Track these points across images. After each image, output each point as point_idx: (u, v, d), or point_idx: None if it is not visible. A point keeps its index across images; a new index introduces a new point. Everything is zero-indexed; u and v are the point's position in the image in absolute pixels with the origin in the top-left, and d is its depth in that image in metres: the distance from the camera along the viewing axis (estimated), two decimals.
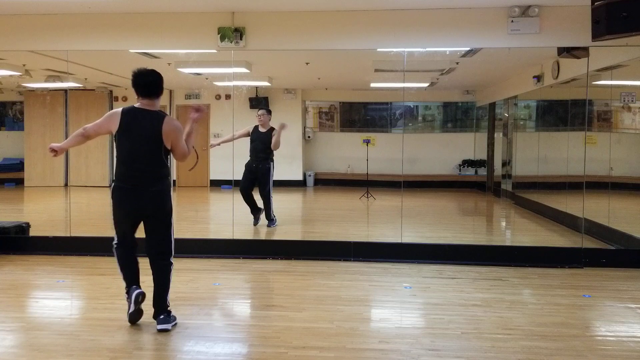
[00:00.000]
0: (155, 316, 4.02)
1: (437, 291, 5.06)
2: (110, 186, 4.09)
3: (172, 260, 4.15)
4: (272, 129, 7.98)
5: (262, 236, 7.69)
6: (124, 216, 4.05)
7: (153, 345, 3.72)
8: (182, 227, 8.46)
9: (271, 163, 8.01)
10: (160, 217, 4.06)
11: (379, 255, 6.21)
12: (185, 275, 5.55)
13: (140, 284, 4.12)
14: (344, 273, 5.71)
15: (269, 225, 7.96)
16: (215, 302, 4.85)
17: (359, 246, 6.33)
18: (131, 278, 4.10)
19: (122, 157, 3.98)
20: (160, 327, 3.95)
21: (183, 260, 6.08)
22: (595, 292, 5.09)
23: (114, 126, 3.94)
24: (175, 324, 4.06)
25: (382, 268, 5.88)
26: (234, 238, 6.80)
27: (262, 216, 8.07)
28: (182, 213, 10.08)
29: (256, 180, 8.00)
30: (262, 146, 7.95)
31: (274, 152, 8.04)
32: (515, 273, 5.71)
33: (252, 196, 8.02)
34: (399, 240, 6.56)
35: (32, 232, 6.82)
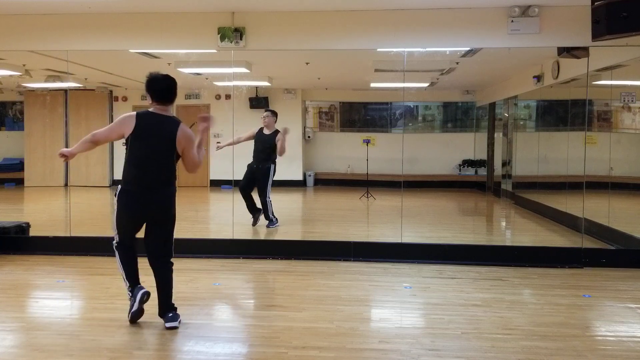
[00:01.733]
0: (163, 314, 4.05)
1: (437, 291, 5.06)
2: (110, 186, 4.10)
3: (172, 260, 4.20)
4: (276, 131, 7.98)
5: (262, 236, 7.69)
6: (129, 219, 4.05)
7: (153, 345, 3.72)
8: (182, 227, 8.44)
9: (272, 165, 8.00)
10: (165, 221, 4.10)
11: (379, 255, 6.21)
12: (185, 275, 5.54)
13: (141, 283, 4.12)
14: (344, 273, 5.71)
15: (268, 226, 7.96)
16: (215, 302, 4.84)
17: (359, 246, 6.33)
18: (134, 277, 4.13)
19: (135, 160, 3.97)
20: (168, 324, 3.98)
21: (183, 260, 6.08)
22: (595, 292, 5.09)
23: (128, 130, 3.95)
24: (180, 321, 4.08)
25: (382, 268, 5.88)
26: (234, 238, 6.80)
27: (262, 216, 8.08)
28: (182, 213, 10.06)
29: (255, 180, 8.00)
30: (262, 147, 7.95)
31: (278, 156, 8.02)
32: (515, 273, 5.71)
33: (251, 196, 8.02)
34: (399, 240, 6.56)
35: (32, 232, 6.82)
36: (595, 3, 5.09)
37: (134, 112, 4.03)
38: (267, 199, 7.96)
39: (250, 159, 8.13)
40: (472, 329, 4.05)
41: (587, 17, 5.31)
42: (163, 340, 3.80)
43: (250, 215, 8.07)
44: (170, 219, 4.13)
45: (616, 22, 4.88)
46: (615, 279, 5.59)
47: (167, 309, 4.06)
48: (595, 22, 5.12)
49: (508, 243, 7.99)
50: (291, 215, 9.85)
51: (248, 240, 7.36)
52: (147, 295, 4.06)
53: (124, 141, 4.02)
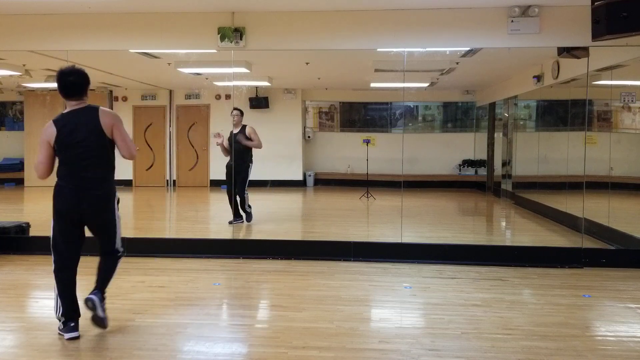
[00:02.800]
0: (92, 292, 3.86)
1: (437, 291, 5.06)
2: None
3: (122, 251, 4.06)
4: (243, 126, 8.12)
5: (262, 236, 7.69)
6: (64, 220, 3.91)
7: (153, 345, 3.71)
8: (182, 227, 8.48)
9: (250, 164, 8.15)
10: (100, 221, 3.91)
11: (379, 255, 6.21)
12: (185, 275, 5.55)
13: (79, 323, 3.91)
14: (344, 273, 5.71)
15: (239, 221, 8.05)
16: (215, 302, 4.85)
17: (359, 246, 6.33)
18: (70, 308, 3.89)
19: (68, 162, 3.79)
20: (89, 296, 3.81)
21: (183, 260, 6.09)
22: (595, 292, 5.09)
23: (52, 138, 3.72)
24: (104, 309, 3.85)
25: (382, 268, 5.88)
26: (234, 238, 6.80)
27: (254, 215, 8.18)
28: (182, 213, 10.08)
29: (233, 176, 8.12)
30: (236, 146, 8.04)
31: (252, 150, 8.19)
32: (515, 273, 5.71)
33: (236, 199, 8.13)
34: (399, 240, 6.56)
35: (32, 232, 6.82)
36: (595, 3, 5.09)
37: (51, 120, 3.79)
38: (244, 195, 8.10)
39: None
40: (472, 329, 4.05)
41: (587, 17, 5.31)
42: (163, 341, 3.80)
43: (242, 214, 8.18)
44: (106, 222, 3.91)
45: (616, 22, 4.88)
46: (615, 279, 5.59)
47: (96, 288, 3.89)
48: (595, 22, 5.12)
49: (508, 243, 7.99)
50: (291, 215, 9.85)
51: (248, 240, 7.37)
52: (75, 339, 3.82)
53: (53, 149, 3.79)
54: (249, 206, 8.20)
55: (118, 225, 4.00)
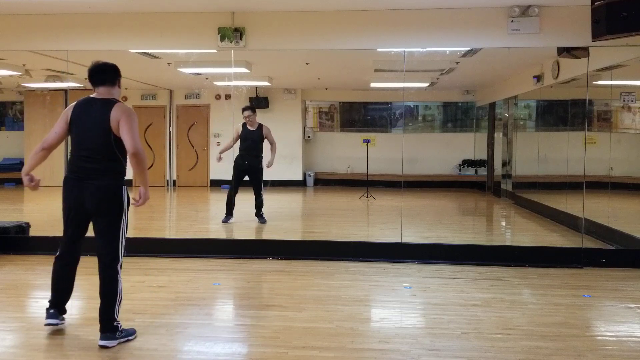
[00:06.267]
0: (100, 330, 3.68)
1: (437, 291, 5.06)
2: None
3: (120, 268, 3.77)
4: (260, 125, 8.17)
5: (262, 236, 7.69)
6: (68, 211, 3.83)
7: (153, 345, 3.71)
8: (182, 227, 8.48)
9: (262, 160, 8.20)
10: (102, 215, 3.73)
11: (379, 255, 6.21)
12: (185, 275, 5.55)
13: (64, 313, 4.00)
14: (344, 273, 5.71)
15: (262, 222, 8.10)
16: (215, 302, 4.85)
17: (359, 246, 6.33)
18: (55, 296, 3.93)
19: (73, 147, 3.79)
20: (100, 343, 3.64)
21: (183, 260, 6.09)
22: (595, 292, 5.09)
23: (68, 118, 3.78)
24: (130, 339, 3.75)
25: (382, 268, 5.88)
26: (234, 238, 6.80)
27: (252, 215, 8.19)
28: (182, 213, 10.08)
29: (244, 176, 8.12)
30: (253, 144, 8.08)
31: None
32: (515, 273, 5.71)
33: (234, 199, 8.15)
34: (399, 240, 6.56)
35: (32, 232, 6.81)
36: (595, 3, 5.09)
37: (75, 102, 3.84)
38: (262, 196, 8.13)
39: None
40: (472, 329, 4.05)
41: (587, 17, 5.30)
42: (163, 341, 3.80)
43: (252, 216, 8.14)
44: (109, 215, 3.71)
45: (616, 22, 4.87)
46: (615, 279, 5.59)
47: (103, 326, 3.67)
48: (595, 22, 5.11)
49: (508, 243, 7.99)
50: (291, 215, 9.85)
51: (248, 240, 7.37)
52: (52, 326, 3.89)
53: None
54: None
55: (123, 228, 3.77)
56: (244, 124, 8.15)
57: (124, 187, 3.79)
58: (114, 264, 3.74)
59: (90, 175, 3.71)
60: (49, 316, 3.92)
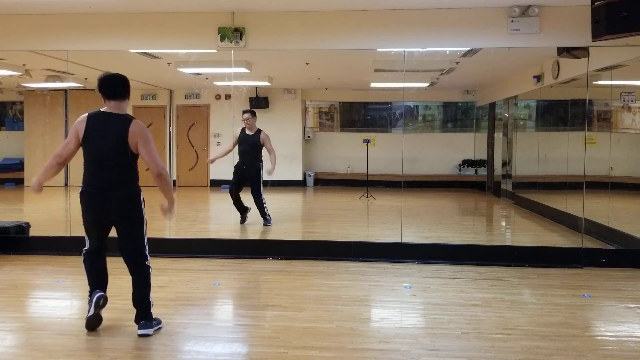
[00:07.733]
0: (136, 320, 3.93)
1: (437, 291, 5.06)
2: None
3: (148, 263, 4.02)
4: (258, 130, 8.08)
5: (262, 236, 7.69)
6: (91, 222, 3.98)
7: (153, 345, 3.71)
8: (182, 227, 8.47)
9: (260, 164, 8.12)
10: (126, 222, 3.94)
11: (379, 255, 6.21)
12: (185, 275, 5.55)
13: (107, 291, 4.07)
14: (344, 273, 5.71)
15: (265, 224, 8.04)
16: (215, 302, 4.85)
17: (359, 246, 6.33)
18: (97, 282, 4.02)
19: (88, 161, 3.90)
20: (140, 332, 3.86)
21: (183, 260, 6.09)
22: (595, 292, 5.09)
23: (81, 132, 3.84)
24: (160, 328, 3.98)
25: (382, 268, 5.88)
26: (234, 238, 6.80)
27: (251, 215, 8.17)
28: (182, 213, 10.07)
29: (245, 181, 8.08)
30: (249, 149, 8.02)
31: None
32: (515, 273, 5.71)
33: (240, 199, 8.11)
34: (399, 240, 6.56)
35: (32, 232, 6.81)
36: (595, 3, 5.09)
37: (86, 114, 3.89)
38: (262, 198, 8.05)
39: None
40: (472, 329, 4.05)
41: (587, 17, 5.31)
42: (163, 341, 3.80)
43: (254, 216, 8.12)
44: (132, 220, 3.94)
45: (616, 22, 4.88)
46: (615, 279, 5.59)
47: (139, 314, 3.93)
48: (595, 22, 5.12)
49: (508, 243, 8.00)
50: (291, 215, 9.85)
51: (248, 240, 7.37)
52: (103, 299, 3.95)
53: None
54: (268, 212, 8.17)
55: (144, 226, 3.99)
56: (243, 129, 8.13)
57: (140, 190, 3.99)
58: (143, 260, 3.97)
59: (110, 186, 3.86)
60: (95, 294, 3.93)
